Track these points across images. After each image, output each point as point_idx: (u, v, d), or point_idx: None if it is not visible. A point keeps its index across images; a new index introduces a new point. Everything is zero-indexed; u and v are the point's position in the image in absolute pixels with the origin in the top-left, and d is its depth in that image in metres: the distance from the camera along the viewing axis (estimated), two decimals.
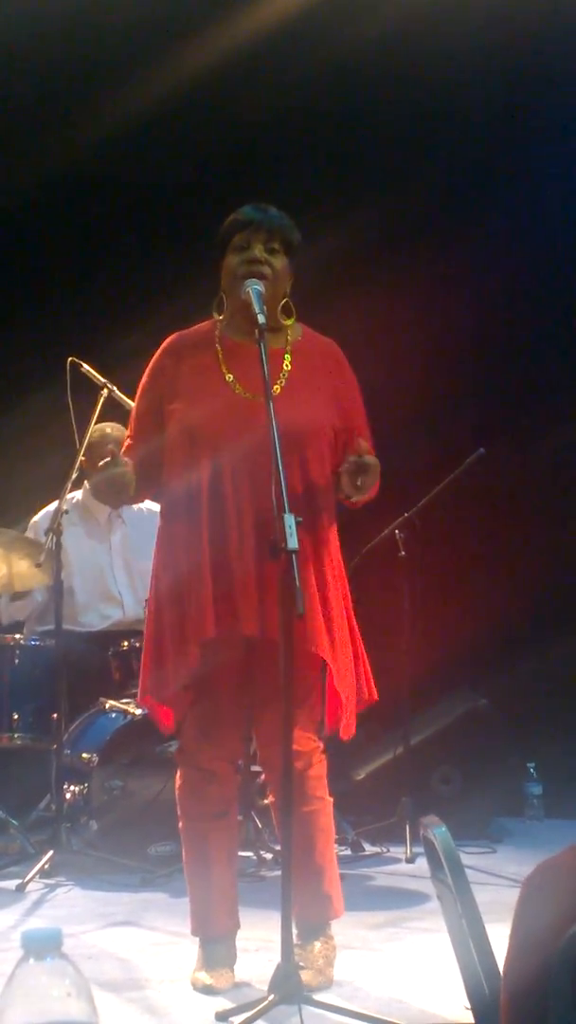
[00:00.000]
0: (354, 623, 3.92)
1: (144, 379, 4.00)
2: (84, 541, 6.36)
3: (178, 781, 3.93)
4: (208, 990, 3.72)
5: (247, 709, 3.89)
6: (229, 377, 3.82)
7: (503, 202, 7.44)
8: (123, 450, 3.98)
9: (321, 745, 3.89)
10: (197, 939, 3.91)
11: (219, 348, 3.89)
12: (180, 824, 3.95)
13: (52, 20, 6.86)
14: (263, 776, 5.45)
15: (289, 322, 3.91)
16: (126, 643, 5.91)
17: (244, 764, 5.16)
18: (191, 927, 3.92)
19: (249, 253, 3.80)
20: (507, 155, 7.41)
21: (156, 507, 6.46)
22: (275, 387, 3.76)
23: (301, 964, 3.59)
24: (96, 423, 5.59)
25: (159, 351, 3.98)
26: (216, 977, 3.76)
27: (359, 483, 3.67)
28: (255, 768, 5.17)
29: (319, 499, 3.78)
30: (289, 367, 3.86)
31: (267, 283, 3.76)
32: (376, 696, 3.93)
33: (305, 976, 3.51)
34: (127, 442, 4.02)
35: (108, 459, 3.75)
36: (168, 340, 4.00)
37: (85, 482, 6.42)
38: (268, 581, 3.62)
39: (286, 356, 3.87)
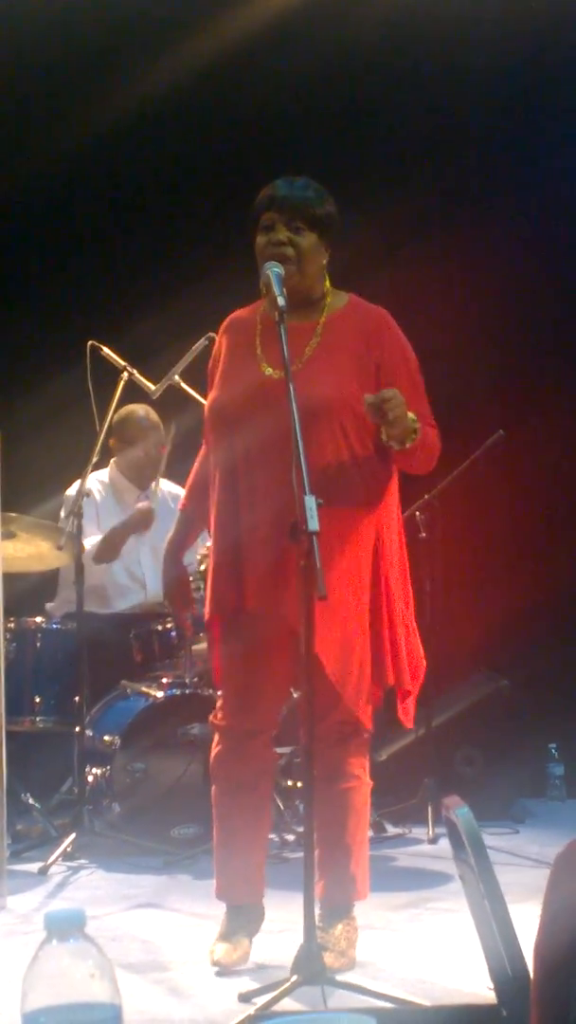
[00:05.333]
0: (392, 607, 3.87)
1: (210, 363, 4.06)
2: (112, 522, 6.34)
3: (213, 748, 3.95)
4: (218, 965, 3.75)
5: (287, 683, 3.90)
6: (259, 352, 3.83)
7: (530, 182, 7.40)
8: (205, 429, 4.04)
9: (364, 725, 3.87)
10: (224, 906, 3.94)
11: (259, 326, 3.89)
12: (212, 789, 3.97)
13: (64, 8, 6.88)
14: (292, 752, 5.48)
15: (326, 287, 3.90)
16: (148, 626, 5.92)
17: None
18: (215, 891, 3.94)
19: (273, 235, 3.79)
20: (530, 139, 7.38)
21: (179, 490, 6.52)
22: (297, 363, 3.75)
23: (323, 946, 3.59)
24: (116, 406, 5.59)
25: (219, 331, 4.05)
26: (232, 948, 3.78)
27: (388, 417, 3.59)
28: (279, 750, 5.18)
29: (338, 477, 3.73)
30: (317, 341, 3.83)
31: (291, 264, 3.75)
32: (405, 683, 3.89)
33: (327, 959, 3.50)
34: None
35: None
36: (226, 319, 4.04)
37: (112, 461, 6.44)
38: (281, 562, 3.63)
39: (317, 329, 3.86)
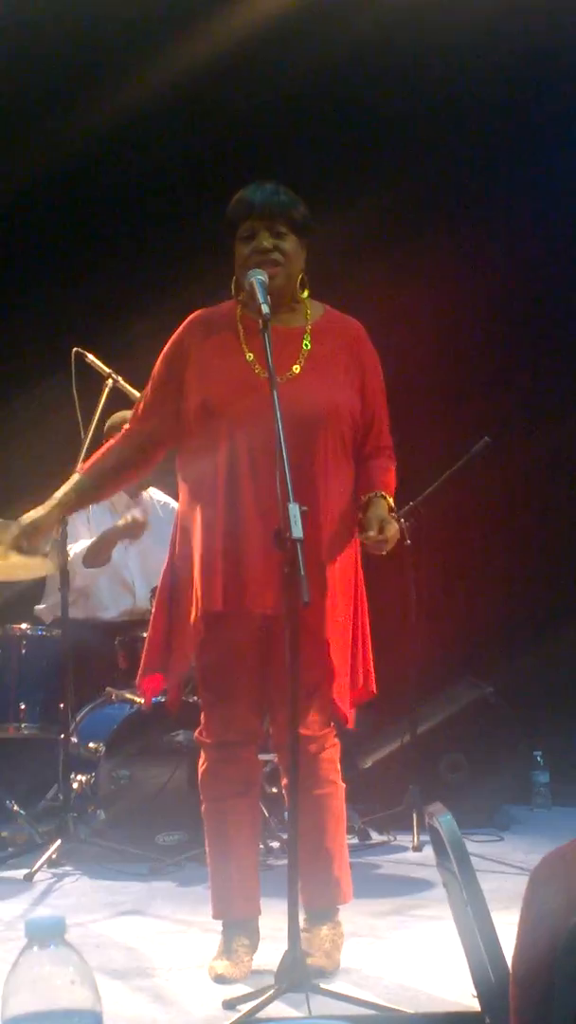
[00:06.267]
0: (363, 615, 3.92)
1: (166, 349, 3.97)
2: (103, 527, 6.32)
3: (200, 764, 3.94)
4: (220, 979, 3.72)
5: (263, 689, 3.88)
6: (249, 356, 3.80)
7: (515, 188, 7.41)
8: (135, 413, 4.02)
9: (334, 729, 3.89)
10: (219, 923, 3.91)
11: (240, 327, 3.87)
12: (202, 807, 3.96)
13: (55, 10, 6.86)
14: (275, 759, 5.47)
15: (304, 295, 3.89)
16: (132, 633, 5.91)
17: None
18: (212, 911, 3.92)
19: (257, 243, 3.78)
20: (517, 141, 7.38)
21: (171, 500, 6.50)
22: (295, 367, 3.77)
23: (308, 950, 3.59)
24: (101, 413, 5.58)
25: (183, 324, 3.96)
26: (232, 965, 3.76)
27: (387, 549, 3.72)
28: (262, 756, 5.18)
29: (335, 482, 3.76)
30: (309, 347, 3.83)
31: (280, 269, 3.76)
32: (374, 690, 3.94)
33: (312, 960, 3.51)
34: (140, 406, 4.03)
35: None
36: (192, 315, 3.98)
37: None
38: (274, 563, 3.61)
39: (306, 336, 3.86)
